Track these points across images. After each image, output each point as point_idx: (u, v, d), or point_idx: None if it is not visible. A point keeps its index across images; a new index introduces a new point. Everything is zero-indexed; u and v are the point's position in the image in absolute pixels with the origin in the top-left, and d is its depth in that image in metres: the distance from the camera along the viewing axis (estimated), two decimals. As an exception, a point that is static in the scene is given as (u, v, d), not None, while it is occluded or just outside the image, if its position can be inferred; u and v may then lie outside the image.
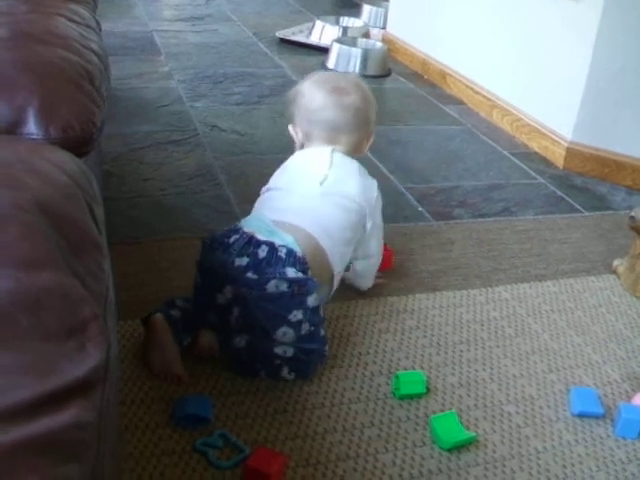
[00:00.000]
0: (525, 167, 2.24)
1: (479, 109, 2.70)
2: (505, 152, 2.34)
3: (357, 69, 3.01)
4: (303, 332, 1.16)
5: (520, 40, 2.49)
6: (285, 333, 1.15)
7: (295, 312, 1.15)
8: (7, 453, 0.47)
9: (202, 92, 2.63)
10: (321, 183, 1.31)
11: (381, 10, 3.92)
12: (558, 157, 2.26)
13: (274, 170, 1.40)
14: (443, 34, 2.98)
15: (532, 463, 1.09)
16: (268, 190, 1.37)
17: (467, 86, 2.78)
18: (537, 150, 2.37)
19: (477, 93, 2.72)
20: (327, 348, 1.24)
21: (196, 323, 1.22)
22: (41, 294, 0.60)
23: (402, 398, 1.19)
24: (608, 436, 1.16)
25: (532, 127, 2.39)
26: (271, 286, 1.14)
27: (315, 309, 1.18)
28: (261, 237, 1.19)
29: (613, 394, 1.26)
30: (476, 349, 1.35)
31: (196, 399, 1.13)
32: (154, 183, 1.90)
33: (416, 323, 1.40)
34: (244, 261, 1.16)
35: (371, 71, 3.01)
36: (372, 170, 1.46)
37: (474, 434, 1.12)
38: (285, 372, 1.18)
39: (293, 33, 3.50)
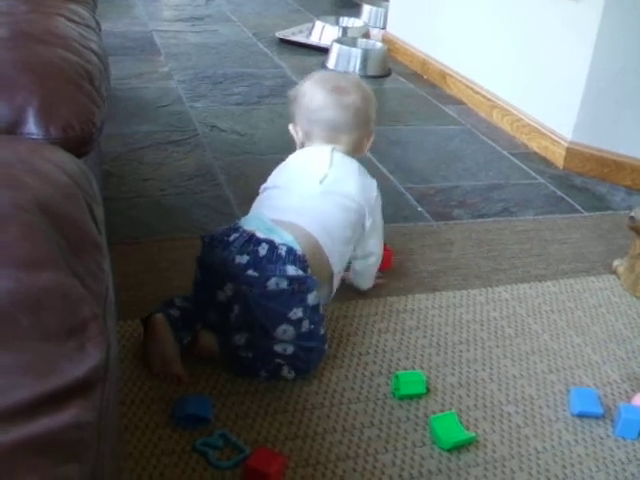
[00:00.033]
0: (525, 167, 2.24)
1: (479, 109, 2.70)
2: (505, 152, 2.34)
3: (357, 69, 3.01)
4: (303, 330, 1.17)
5: (520, 40, 2.49)
6: (285, 331, 1.15)
7: (295, 310, 1.15)
8: (7, 453, 0.47)
9: (202, 92, 2.63)
10: (321, 182, 1.31)
11: (381, 10, 3.91)
12: (558, 157, 2.26)
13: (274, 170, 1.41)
14: (443, 34, 2.98)
15: (532, 463, 1.09)
16: (267, 189, 1.37)
17: (467, 86, 2.78)
18: (537, 150, 2.37)
19: (477, 93, 2.72)
20: (327, 346, 1.24)
21: (196, 320, 1.22)
22: (41, 294, 0.60)
23: (402, 398, 1.19)
24: (608, 436, 1.16)
25: (532, 127, 2.39)
26: (271, 284, 1.14)
27: (315, 307, 1.18)
28: (261, 235, 1.19)
29: (613, 394, 1.26)
30: (476, 349, 1.35)
31: (196, 399, 1.13)
32: (154, 183, 1.90)
33: (416, 323, 1.40)
34: (244, 259, 1.16)
35: (371, 71, 3.01)
36: (372, 170, 1.46)
37: (474, 434, 1.12)
38: (285, 371, 1.18)
39: (293, 33, 3.50)
